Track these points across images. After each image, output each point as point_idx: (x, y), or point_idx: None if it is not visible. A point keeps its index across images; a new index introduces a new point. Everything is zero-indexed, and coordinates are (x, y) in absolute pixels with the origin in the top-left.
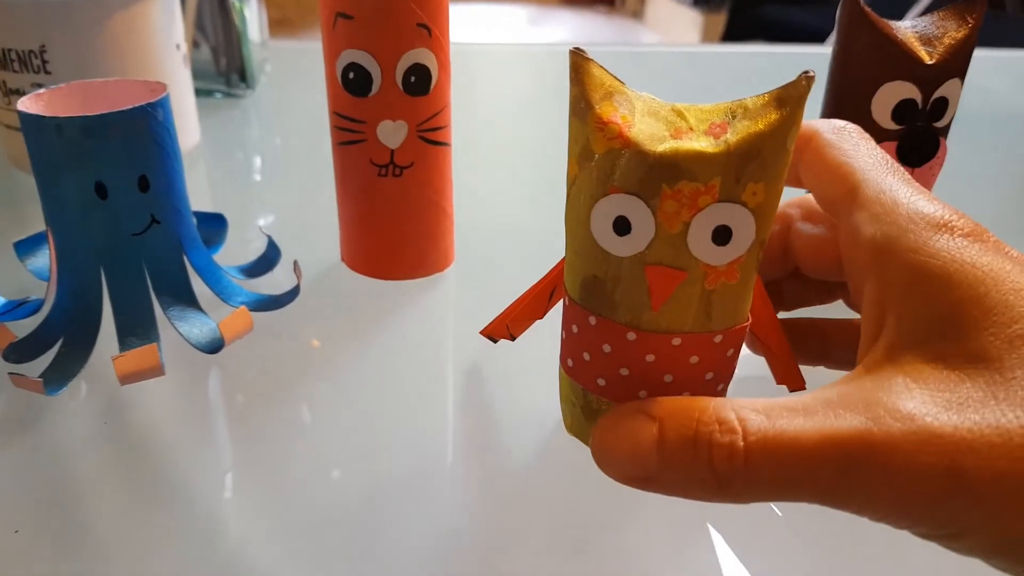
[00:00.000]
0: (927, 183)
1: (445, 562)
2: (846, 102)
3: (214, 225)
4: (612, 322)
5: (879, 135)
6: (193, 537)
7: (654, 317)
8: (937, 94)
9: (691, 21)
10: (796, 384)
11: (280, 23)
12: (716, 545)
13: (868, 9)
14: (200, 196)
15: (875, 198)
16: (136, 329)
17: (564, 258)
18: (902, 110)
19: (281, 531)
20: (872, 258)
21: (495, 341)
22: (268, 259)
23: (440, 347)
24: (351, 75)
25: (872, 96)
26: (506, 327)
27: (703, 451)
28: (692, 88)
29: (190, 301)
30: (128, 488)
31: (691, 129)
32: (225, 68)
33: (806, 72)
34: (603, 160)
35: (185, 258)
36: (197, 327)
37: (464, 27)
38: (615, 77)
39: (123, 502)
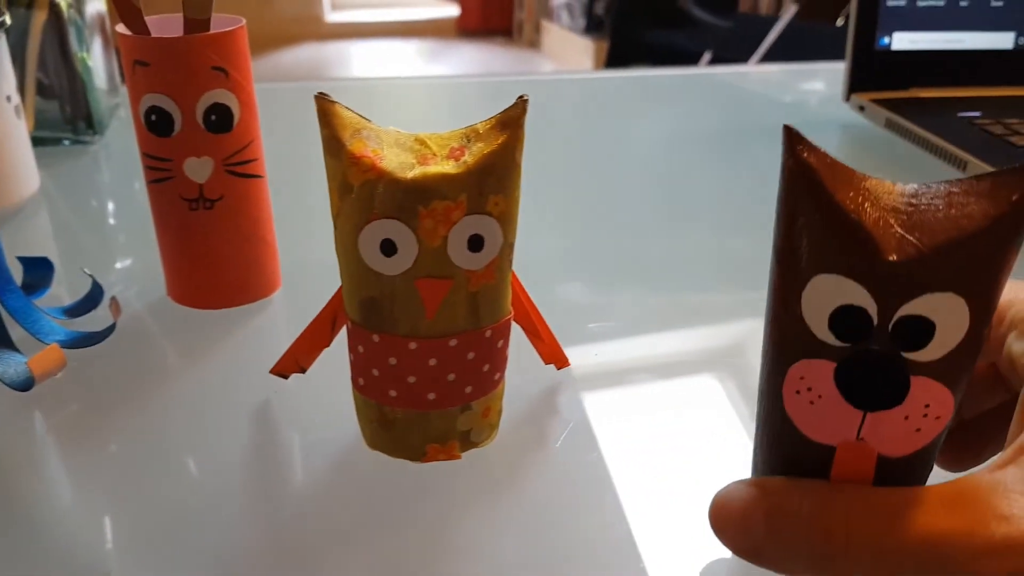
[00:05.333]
0: (906, 442)
1: None
2: (782, 287)
3: (40, 269)
4: (393, 336)
5: (815, 348)
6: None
7: (430, 324)
8: (907, 311)
9: (584, 48)
10: (561, 362)
11: None
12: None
13: (814, 151)
14: (43, 242)
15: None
16: None
17: (341, 286)
18: (844, 321)
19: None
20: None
21: (286, 377)
22: (92, 298)
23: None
24: (153, 117)
25: (803, 290)
26: (295, 361)
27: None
28: (584, 111)
29: (4, 342)
30: None
31: (434, 155)
32: (71, 116)
33: (522, 96)
34: (361, 191)
35: None
36: (12, 367)
37: (363, 63)
38: (360, 115)
39: None
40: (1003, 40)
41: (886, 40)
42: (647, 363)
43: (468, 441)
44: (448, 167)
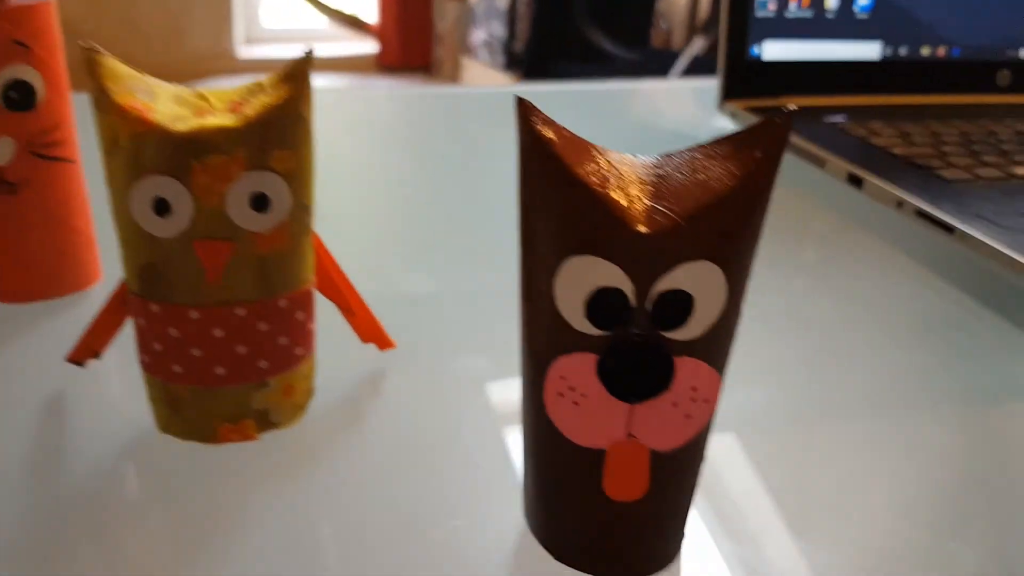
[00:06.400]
0: (677, 432)
1: None
2: (531, 279)
3: None
4: (173, 305)
5: (573, 342)
6: None
7: (213, 291)
8: (664, 286)
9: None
10: (383, 342)
11: None
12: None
13: (550, 124)
14: None
15: None
16: None
17: None
18: (601, 306)
19: None
20: None
21: (82, 365)
22: None
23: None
24: None
25: (553, 278)
26: (89, 347)
27: None
28: (485, 123)
29: None
30: None
31: (212, 108)
32: None
33: (308, 50)
34: (131, 146)
35: None
36: None
37: None
38: (133, 69)
39: None
40: (870, 50)
41: (756, 50)
42: (473, 346)
43: (267, 421)
44: (225, 120)
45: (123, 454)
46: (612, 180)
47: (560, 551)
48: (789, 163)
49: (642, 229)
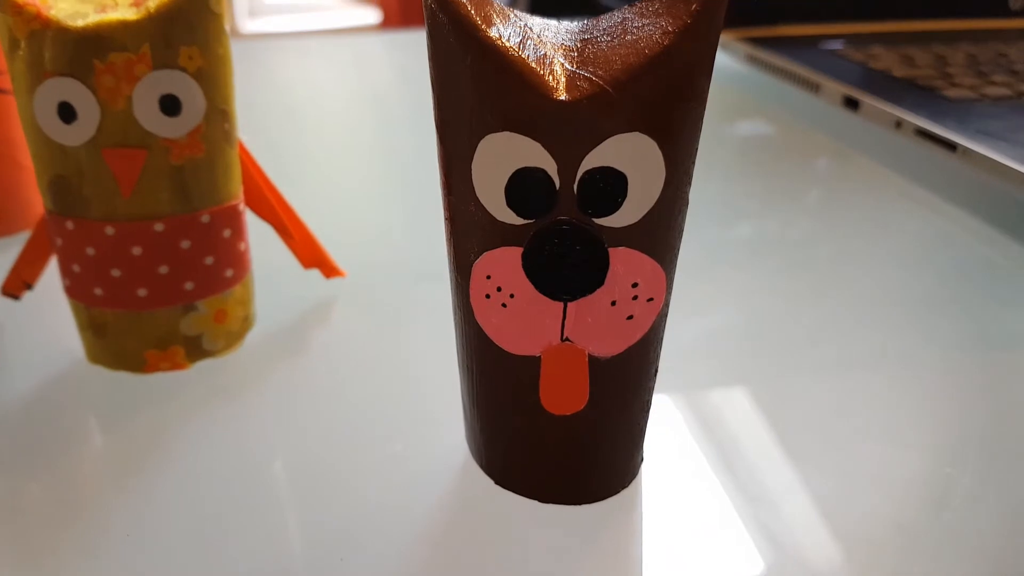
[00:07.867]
0: (619, 335)
1: None
2: (448, 166)
3: None
4: (88, 221)
5: (497, 236)
6: None
7: (128, 205)
8: (591, 163)
9: None
10: (329, 270)
11: None
12: None
13: None
14: None
15: None
16: None
17: None
18: (523, 190)
19: None
20: None
21: (17, 298)
22: None
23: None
24: None
25: (470, 163)
26: (20, 278)
27: None
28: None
29: None
30: None
31: (116, 4)
32: None
33: None
34: (30, 46)
35: None
36: None
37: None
38: None
39: None
40: None
41: None
42: (425, 271)
43: (200, 349)
44: (126, 14)
45: (52, 386)
46: (529, 45)
47: (500, 475)
48: (779, 90)
49: (563, 98)
